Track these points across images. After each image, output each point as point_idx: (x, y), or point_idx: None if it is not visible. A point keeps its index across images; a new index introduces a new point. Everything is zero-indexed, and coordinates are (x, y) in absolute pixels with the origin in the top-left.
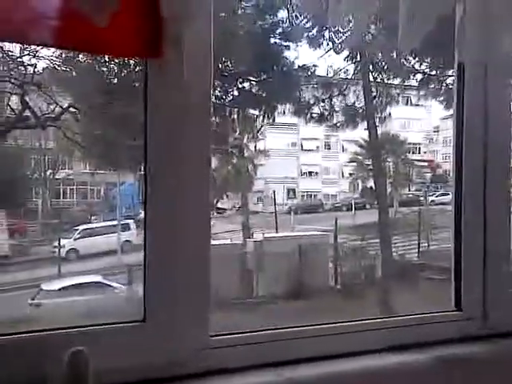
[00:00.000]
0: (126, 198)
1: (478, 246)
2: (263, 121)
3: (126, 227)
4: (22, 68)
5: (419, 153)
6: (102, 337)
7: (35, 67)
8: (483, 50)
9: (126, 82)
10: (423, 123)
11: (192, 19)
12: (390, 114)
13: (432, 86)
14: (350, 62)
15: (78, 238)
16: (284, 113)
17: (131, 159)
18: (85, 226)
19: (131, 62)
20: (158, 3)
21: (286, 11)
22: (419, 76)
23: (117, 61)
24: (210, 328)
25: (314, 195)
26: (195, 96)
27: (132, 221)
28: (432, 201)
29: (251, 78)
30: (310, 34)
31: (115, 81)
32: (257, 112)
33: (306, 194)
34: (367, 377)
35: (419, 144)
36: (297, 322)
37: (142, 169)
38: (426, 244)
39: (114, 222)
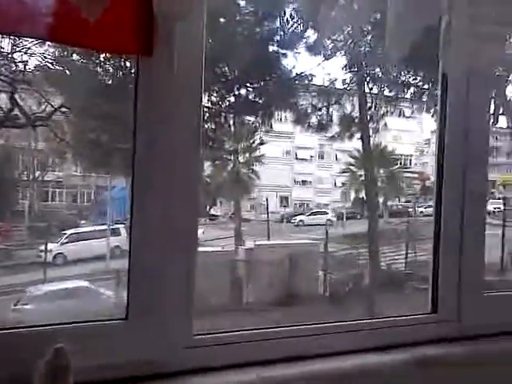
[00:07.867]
0: (116, 203)
1: (455, 254)
2: (260, 128)
3: (115, 232)
4: (13, 65)
5: (410, 164)
6: (85, 334)
7: (26, 64)
8: (466, 62)
9: (121, 84)
10: (414, 135)
11: (184, 17)
12: (385, 124)
13: (424, 99)
14: (347, 71)
15: (66, 243)
16: (281, 120)
17: (123, 163)
18: (73, 230)
19: (127, 63)
20: (150, 0)
21: (284, 19)
22: (412, 89)
23: (112, 62)
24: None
25: (307, 204)
26: (185, 96)
27: (122, 226)
28: (421, 212)
29: (248, 85)
30: (309, 41)
31: (110, 82)
32: (253, 119)
33: (298, 202)
34: (345, 376)
35: (410, 156)
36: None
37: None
38: (414, 254)
39: (104, 227)
